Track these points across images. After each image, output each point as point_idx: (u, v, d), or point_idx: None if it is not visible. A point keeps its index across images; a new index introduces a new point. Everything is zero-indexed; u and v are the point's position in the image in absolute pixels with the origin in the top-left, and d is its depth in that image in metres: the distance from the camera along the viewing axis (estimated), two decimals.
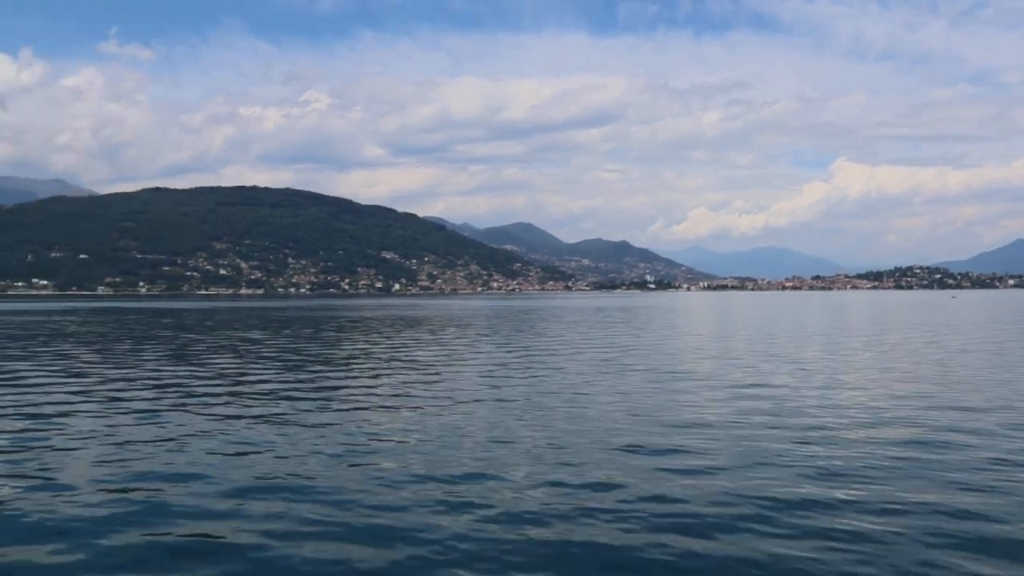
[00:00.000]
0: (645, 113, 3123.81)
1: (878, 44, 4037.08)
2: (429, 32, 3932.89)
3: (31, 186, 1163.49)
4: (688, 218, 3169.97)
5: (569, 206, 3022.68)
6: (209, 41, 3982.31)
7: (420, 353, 43.78)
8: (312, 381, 30.81)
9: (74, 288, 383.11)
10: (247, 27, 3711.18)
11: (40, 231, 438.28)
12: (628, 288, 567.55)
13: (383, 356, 42.02)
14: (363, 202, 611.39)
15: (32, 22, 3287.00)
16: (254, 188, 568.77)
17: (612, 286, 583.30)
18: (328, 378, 31.99)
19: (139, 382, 30.42)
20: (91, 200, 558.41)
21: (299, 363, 38.39)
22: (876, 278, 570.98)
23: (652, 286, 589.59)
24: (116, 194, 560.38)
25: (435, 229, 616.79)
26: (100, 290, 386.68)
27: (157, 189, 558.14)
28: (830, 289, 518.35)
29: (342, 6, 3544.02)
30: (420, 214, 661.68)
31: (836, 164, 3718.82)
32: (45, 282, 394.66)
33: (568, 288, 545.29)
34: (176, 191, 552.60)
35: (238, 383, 30.19)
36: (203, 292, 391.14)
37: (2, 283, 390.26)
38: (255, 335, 62.71)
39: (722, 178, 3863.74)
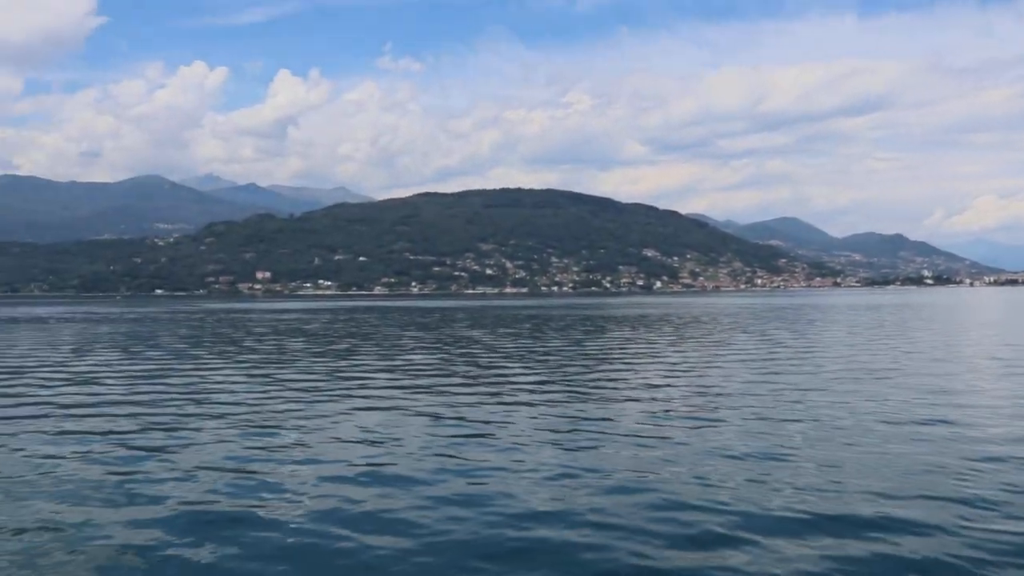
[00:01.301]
0: (921, 96, 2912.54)
1: None
2: (688, 25, 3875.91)
3: (318, 195, 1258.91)
4: (972, 208, 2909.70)
5: (837, 198, 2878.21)
6: (474, 49, 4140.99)
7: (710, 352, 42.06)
8: (587, 378, 30.03)
9: (354, 288, 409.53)
10: (510, 33, 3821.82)
11: (325, 236, 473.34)
12: (903, 284, 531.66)
13: (671, 355, 40.42)
14: (624, 200, 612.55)
15: (319, 45, 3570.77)
16: (518, 190, 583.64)
17: (885, 282, 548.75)
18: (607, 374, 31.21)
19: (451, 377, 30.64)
20: (369, 206, 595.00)
21: (577, 360, 37.98)
22: None
23: (929, 281, 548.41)
24: (391, 199, 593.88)
25: (696, 226, 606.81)
26: (376, 290, 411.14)
27: (428, 193, 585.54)
28: None
29: (599, 5, 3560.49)
30: (682, 211, 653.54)
31: None
32: (329, 283, 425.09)
33: (836, 284, 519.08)
34: (445, 195, 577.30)
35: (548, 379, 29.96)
36: (470, 291, 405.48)
37: (293, 284, 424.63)
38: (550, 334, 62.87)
39: (1013, 162, 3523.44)
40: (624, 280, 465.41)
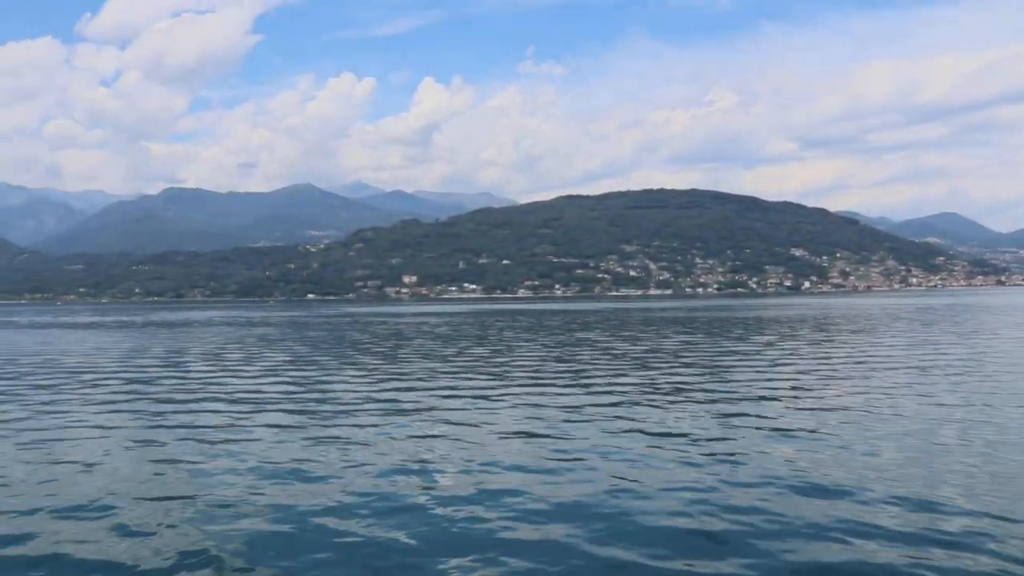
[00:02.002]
0: None
1: None
2: (834, 17, 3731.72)
3: (463, 200, 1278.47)
4: None
5: (1001, 191, 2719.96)
6: (615, 50, 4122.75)
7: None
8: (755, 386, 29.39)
9: (498, 291, 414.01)
10: (650, 32, 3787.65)
11: (469, 240, 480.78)
12: None
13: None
14: (770, 199, 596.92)
15: (462, 52, 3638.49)
16: (661, 190, 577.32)
17: None
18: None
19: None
20: (512, 210, 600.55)
21: (681, 364, 37.30)
22: None
23: None
24: (534, 203, 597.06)
25: (847, 223, 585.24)
26: (520, 292, 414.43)
27: (570, 196, 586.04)
28: None
29: (740, 1, 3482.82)
30: (832, 208, 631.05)
31: None
32: (473, 286, 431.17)
33: (1000, 283, 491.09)
34: (587, 197, 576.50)
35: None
36: (613, 293, 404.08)
37: (439, 287, 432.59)
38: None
39: None
40: (771, 281, 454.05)
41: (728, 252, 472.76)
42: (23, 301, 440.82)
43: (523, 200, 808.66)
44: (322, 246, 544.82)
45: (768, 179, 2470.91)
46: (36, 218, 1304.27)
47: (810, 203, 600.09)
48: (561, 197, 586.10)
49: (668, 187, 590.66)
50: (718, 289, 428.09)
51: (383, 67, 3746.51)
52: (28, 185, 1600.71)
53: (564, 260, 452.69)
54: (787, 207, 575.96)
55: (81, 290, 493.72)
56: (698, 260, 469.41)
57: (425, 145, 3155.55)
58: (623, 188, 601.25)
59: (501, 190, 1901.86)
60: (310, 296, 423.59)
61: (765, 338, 55.91)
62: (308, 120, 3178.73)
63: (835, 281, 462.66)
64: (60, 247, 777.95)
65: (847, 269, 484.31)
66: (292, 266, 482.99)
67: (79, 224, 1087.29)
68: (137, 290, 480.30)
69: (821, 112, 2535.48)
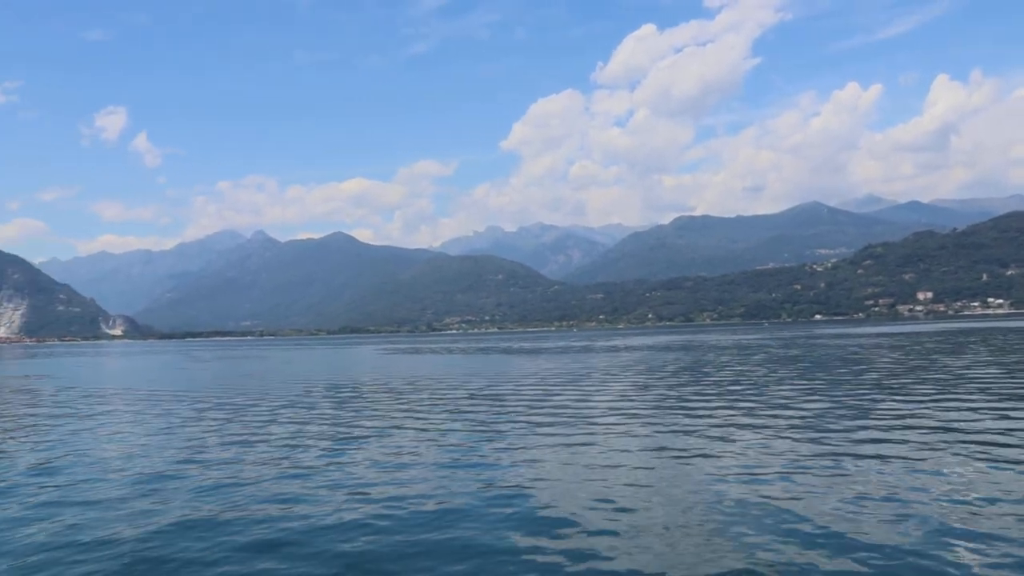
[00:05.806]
0: None
1: None
2: None
3: (989, 205, 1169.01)
4: None
5: None
6: None
7: None
8: None
9: None
10: None
11: (994, 250, 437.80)
12: None
13: None
14: None
15: (979, 43, 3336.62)
16: None
17: None
18: None
19: None
20: None
21: None
22: None
23: None
24: None
25: None
26: None
27: None
28: None
29: None
30: None
31: None
32: (1000, 301, 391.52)
33: None
34: None
35: None
36: None
37: (958, 303, 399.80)
38: None
39: None
40: None
41: None
42: (552, 329, 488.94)
43: None
44: (828, 265, 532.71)
45: None
46: (564, 253, 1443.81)
47: None
48: None
49: None
50: None
51: (890, 71, 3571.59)
52: (558, 223, 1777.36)
53: None
54: None
55: (600, 317, 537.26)
56: None
57: (941, 150, 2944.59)
58: None
59: None
60: (817, 316, 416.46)
61: None
62: (812, 136, 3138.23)
63: None
64: (584, 278, 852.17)
65: None
66: (798, 287, 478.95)
67: (600, 256, 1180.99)
68: (650, 315, 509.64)
69: None
